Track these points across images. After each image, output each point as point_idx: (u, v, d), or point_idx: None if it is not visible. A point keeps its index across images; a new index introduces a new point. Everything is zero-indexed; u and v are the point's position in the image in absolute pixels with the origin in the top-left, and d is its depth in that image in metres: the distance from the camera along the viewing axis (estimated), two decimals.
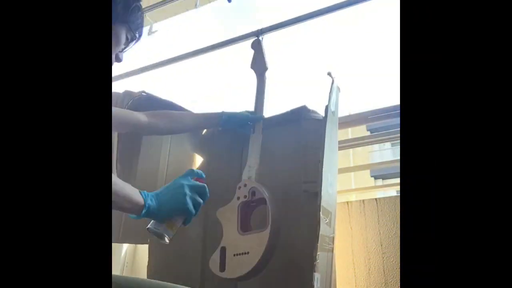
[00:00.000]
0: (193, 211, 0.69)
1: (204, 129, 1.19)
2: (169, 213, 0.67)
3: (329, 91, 0.99)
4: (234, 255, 0.90)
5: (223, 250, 0.92)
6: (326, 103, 0.98)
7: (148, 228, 0.68)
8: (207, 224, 1.20)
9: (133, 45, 0.79)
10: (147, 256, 1.28)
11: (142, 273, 1.49)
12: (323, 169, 0.88)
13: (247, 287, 1.05)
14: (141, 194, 0.64)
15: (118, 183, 0.62)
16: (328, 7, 1.22)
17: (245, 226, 0.95)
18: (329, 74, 1.02)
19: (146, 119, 0.98)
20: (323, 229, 0.84)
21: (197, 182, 0.72)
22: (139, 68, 1.65)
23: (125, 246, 1.52)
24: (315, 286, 0.75)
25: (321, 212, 0.83)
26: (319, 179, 0.87)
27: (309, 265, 0.78)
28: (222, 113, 1.08)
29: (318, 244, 0.79)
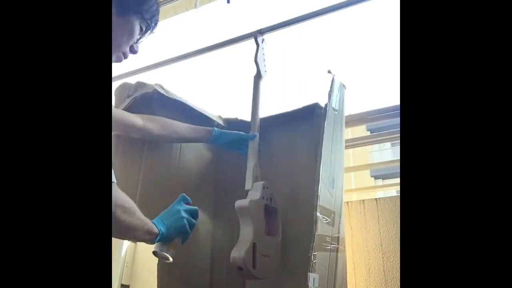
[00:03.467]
0: (189, 231, 0.79)
1: (195, 142, 1.17)
2: (173, 236, 0.76)
3: (329, 89, 0.98)
4: (262, 255, 0.90)
5: (255, 247, 0.89)
6: (327, 101, 0.97)
7: (154, 252, 0.75)
8: (216, 224, 1.20)
9: (149, 34, 0.77)
10: (147, 255, 1.27)
11: (141, 272, 1.48)
12: (323, 168, 0.87)
13: (255, 285, 1.05)
14: (154, 224, 0.73)
15: (140, 218, 0.69)
16: (328, 7, 1.22)
17: (268, 229, 0.96)
18: (329, 71, 1.00)
19: (141, 122, 0.98)
20: (323, 229, 0.84)
21: (190, 206, 0.81)
22: (139, 68, 1.64)
23: (125, 246, 1.51)
24: (310, 286, 0.75)
25: (318, 212, 0.82)
26: (316, 179, 0.86)
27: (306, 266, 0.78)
28: (214, 130, 1.07)
29: (316, 244, 0.79)
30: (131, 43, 0.75)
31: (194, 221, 0.80)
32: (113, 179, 0.61)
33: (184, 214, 0.78)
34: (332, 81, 0.99)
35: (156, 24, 0.78)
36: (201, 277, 1.16)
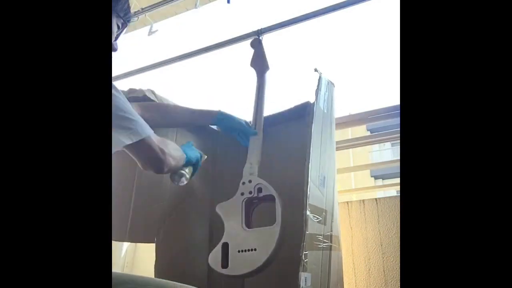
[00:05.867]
0: (198, 164, 0.94)
1: (198, 125, 1.17)
2: (189, 162, 0.90)
3: (316, 88, 0.97)
4: (239, 251, 0.89)
5: (225, 246, 0.90)
6: (313, 101, 0.95)
7: (180, 172, 0.88)
8: (213, 222, 1.20)
9: (122, 31, 0.78)
10: (147, 255, 1.27)
11: (142, 272, 1.48)
12: (312, 167, 0.86)
13: (254, 285, 1.04)
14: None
15: (179, 149, 0.84)
16: (328, 7, 1.22)
17: (249, 223, 0.94)
18: (315, 70, 0.99)
19: (139, 111, 0.95)
20: (314, 227, 0.83)
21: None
22: (139, 68, 1.65)
23: (125, 246, 1.52)
24: (301, 285, 0.74)
25: (309, 211, 0.81)
26: (305, 178, 0.85)
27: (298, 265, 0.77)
28: (218, 112, 1.07)
29: (306, 243, 0.78)
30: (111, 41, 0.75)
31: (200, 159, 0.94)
32: (149, 132, 0.71)
33: (195, 150, 0.93)
34: (319, 79, 0.98)
35: (129, 20, 0.79)
36: (200, 278, 1.16)
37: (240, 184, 0.98)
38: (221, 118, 1.07)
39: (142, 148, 0.72)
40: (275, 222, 0.90)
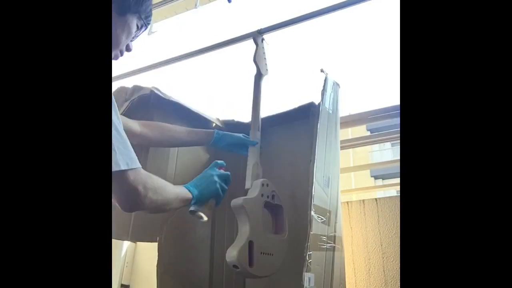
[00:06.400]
0: (222, 195, 0.87)
1: (195, 145, 1.15)
2: (207, 198, 0.84)
3: (322, 88, 0.97)
4: (261, 253, 0.86)
5: (252, 244, 0.85)
6: (319, 101, 0.95)
7: (191, 210, 0.83)
8: (215, 223, 1.20)
9: (141, 32, 0.81)
10: (147, 255, 1.27)
11: (141, 272, 1.49)
12: (317, 168, 0.86)
13: (254, 285, 1.04)
14: (187, 189, 0.80)
15: (172, 191, 0.76)
16: (328, 7, 1.22)
17: (269, 227, 0.94)
18: (322, 70, 0.98)
19: (139, 128, 0.96)
20: (319, 228, 0.83)
21: (222, 171, 0.89)
22: (139, 68, 1.65)
23: (125, 245, 1.52)
24: (304, 285, 0.74)
25: (313, 211, 0.81)
26: (310, 178, 0.85)
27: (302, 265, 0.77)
28: (215, 132, 1.06)
29: (311, 244, 0.78)
30: (128, 41, 0.78)
31: (225, 186, 0.88)
32: (137, 165, 0.66)
33: (216, 179, 0.86)
34: (325, 80, 0.98)
35: (149, 23, 0.82)
36: (201, 278, 1.16)
37: (261, 184, 0.94)
38: (218, 138, 1.05)
39: (115, 180, 0.63)
40: (282, 231, 0.92)
